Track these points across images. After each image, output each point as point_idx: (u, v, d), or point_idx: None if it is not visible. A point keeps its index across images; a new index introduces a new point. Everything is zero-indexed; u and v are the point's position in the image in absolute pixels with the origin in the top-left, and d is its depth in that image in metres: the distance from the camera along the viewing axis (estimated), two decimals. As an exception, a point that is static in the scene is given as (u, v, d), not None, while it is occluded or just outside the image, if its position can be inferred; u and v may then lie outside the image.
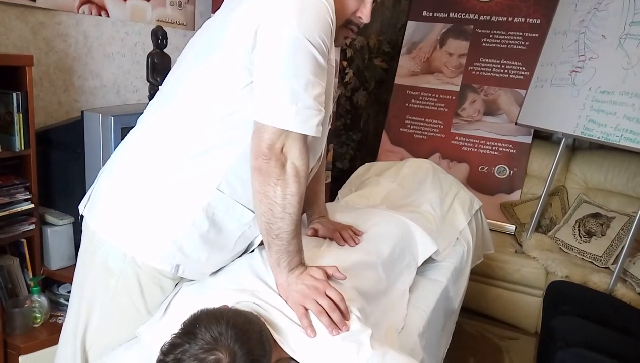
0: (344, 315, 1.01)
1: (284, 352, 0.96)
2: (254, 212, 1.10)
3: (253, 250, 1.20)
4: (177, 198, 1.07)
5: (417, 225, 1.54)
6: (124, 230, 1.08)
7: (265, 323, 0.95)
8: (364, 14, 1.09)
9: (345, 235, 1.36)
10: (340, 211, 1.53)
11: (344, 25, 1.09)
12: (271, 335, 0.94)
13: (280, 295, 1.04)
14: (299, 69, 0.95)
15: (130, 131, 1.17)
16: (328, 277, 1.08)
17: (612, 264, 2.43)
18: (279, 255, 1.03)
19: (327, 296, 1.01)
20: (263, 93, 0.97)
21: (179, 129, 1.07)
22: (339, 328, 0.99)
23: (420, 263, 1.49)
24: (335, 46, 1.07)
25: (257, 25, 0.96)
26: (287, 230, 1.01)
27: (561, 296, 1.88)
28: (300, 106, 0.95)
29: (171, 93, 1.10)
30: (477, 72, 3.20)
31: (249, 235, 1.15)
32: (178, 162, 1.06)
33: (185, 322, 0.86)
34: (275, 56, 0.95)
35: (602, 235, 2.57)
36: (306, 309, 1.00)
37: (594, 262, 2.52)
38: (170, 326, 0.90)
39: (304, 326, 0.99)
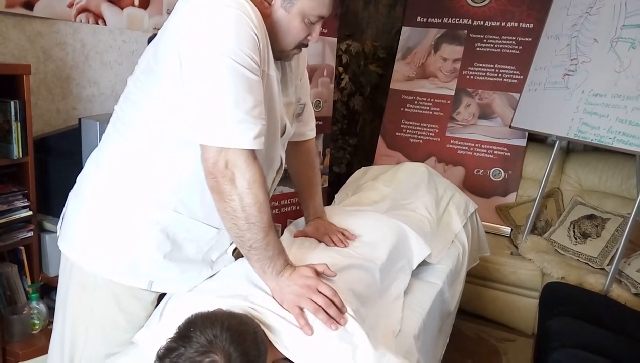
0: (340, 309, 1.02)
1: (279, 352, 0.97)
2: (217, 229, 1.12)
3: None
4: (137, 221, 1.09)
5: (412, 228, 1.55)
6: (92, 253, 1.11)
7: (260, 324, 0.96)
8: (314, 37, 1.12)
9: (334, 238, 1.36)
10: (336, 215, 1.54)
11: (296, 47, 1.12)
12: (266, 335, 0.95)
13: (275, 299, 1.05)
14: (224, 87, 0.95)
15: (94, 152, 1.18)
16: (318, 274, 1.09)
17: (608, 265, 2.45)
18: (260, 263, 1.04)
19: (320, 292, 1.03)
20: (196, 114, 0.98)
21: (133, 152, 1.08)
22: (338, 322, 1.00)
23: (414, 266, 1.51)
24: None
25: (178, 50, 0.97)
26: (257, 239, 1.01)
27: (557, 297, 1.89)
28: (232, 121, 0.96)
29: (128, 112, 1.11)
30: (472, 77, 3.23)
31: (218, 247, 1.17)
32: (134, 186, 1.08)
33: (180, 326, 0.87)
34: (199, 79, 0.96)
35: (597, 237, 2.59)
36: (301, 309, 1.01)
37: (589, 263, 2.54)
38: (165, 331, 0.91)
39: (300, 325, 1.00)
